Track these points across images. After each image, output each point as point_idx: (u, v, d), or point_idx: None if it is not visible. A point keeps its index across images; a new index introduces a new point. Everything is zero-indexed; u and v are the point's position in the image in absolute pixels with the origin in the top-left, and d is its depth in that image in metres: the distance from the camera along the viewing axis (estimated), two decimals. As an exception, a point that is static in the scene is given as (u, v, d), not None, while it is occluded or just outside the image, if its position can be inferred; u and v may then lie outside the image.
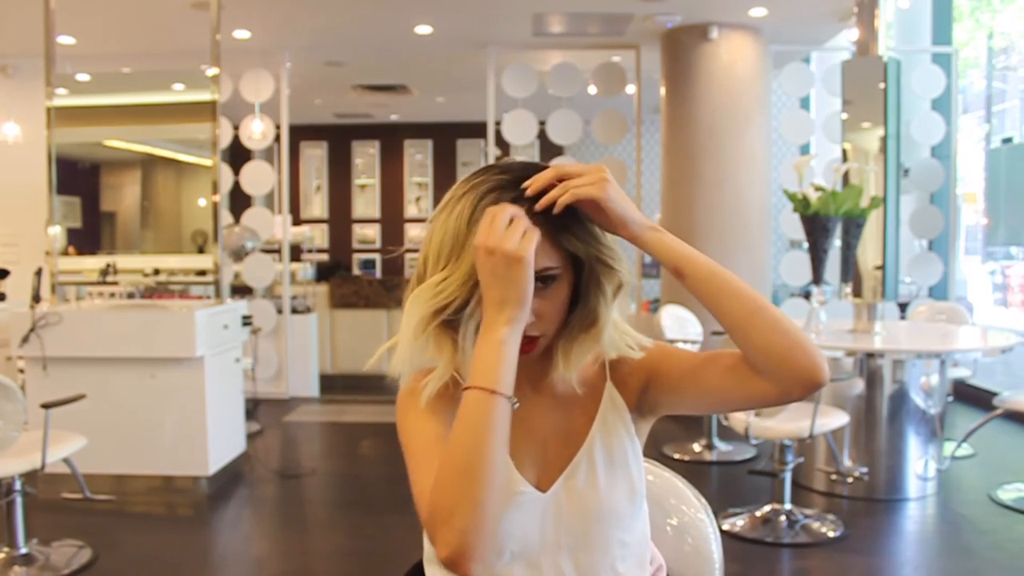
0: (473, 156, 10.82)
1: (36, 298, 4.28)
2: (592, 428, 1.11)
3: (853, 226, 4.24)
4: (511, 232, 0.95)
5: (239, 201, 6.87)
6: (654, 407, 1.14)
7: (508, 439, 0.96)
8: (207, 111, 4.54)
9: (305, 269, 7.87)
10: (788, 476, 3.67)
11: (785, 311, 5.27)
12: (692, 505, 1.36)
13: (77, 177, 5.05)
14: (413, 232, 10.99)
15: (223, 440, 4.36)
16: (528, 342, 1.02)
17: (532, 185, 1.00)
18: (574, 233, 1.03)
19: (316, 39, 6.35)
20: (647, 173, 8.09)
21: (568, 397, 1.13)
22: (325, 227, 10.99)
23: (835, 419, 3.60)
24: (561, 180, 1.00)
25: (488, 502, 0.92)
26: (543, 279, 1.01)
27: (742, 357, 1.02)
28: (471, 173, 1.07)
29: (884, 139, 4.62)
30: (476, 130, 8.44)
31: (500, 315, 0.97)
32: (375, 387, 7.03)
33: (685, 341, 4.73)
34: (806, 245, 4.31)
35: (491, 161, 6.73)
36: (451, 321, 1.04)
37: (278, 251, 6.70)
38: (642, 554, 1.15)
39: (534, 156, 9.28)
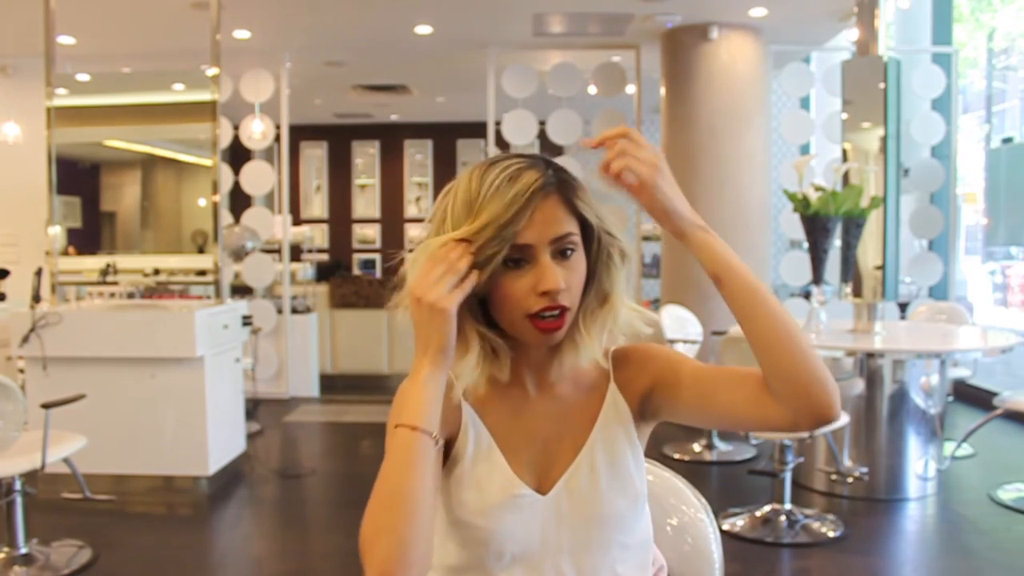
0: (473, 156, 10.82)
1: (36, 298, 4.28)
2: (593, 430, 1.11)
3: (853, 226, 4.24)
4: (441, 283, 0.97)
5: (239, 201, 6.87)
6: (655, 412, 1.13)
7: (436, 471, 0.98)
8: (207, 111, 4.54)
9: (305, 269, 7.87)
10: (788, 476, 3.67)
11: (786, 311, 5.21)
12: (692, 505, 1.36)
13: (77, 177, 5.04)
14: (413, 232, 10.98)
15: (223, 440, 4.36)
16: (558, 316, 1.02)
17: (604, 135, 1.01)
18: (584, 200, 1.04)
19: (316, 39, 6.35)
20: (647, 173, 8.08)
21: (570, 397, 1.13)
22: (325, 227, 10.99)
23: (835, 419, 3.60)
24: (627, 138, 1.01)
25: (410, 535, 0.91)
26: (563, 250, 1.02)
27: (760, 378, 1.01)
28: (475, 165, 1.07)
29: (884, 139, 4.63)
30: (476, 130, 8.44)
31: (424, 358, 0.99)
32: (375, 387, 7.04)
33: (685, 341, 4.73)
34: (806, 245, 4.31)
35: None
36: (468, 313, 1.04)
37: (278, 251, 6.70)
38: (644, 556, 1.14)
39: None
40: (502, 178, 1.00)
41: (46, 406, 3.13)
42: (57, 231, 4.63)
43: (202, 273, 4.88)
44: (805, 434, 0.87)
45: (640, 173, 0.98)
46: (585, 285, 1.07)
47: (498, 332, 1.06)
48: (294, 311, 6.71)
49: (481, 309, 1.05)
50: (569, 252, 1.03)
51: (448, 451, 1.11)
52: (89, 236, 5.26)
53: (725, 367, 1.07)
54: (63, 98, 4.59)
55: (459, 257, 0.98)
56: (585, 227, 1.05)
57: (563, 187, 1.03)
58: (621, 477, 1.09)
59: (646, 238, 7.75)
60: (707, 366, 1.10)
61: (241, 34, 5.98)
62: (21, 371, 4.22)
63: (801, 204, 4.15)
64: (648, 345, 1.14)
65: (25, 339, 3.99)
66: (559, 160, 1.08)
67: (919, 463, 4.09)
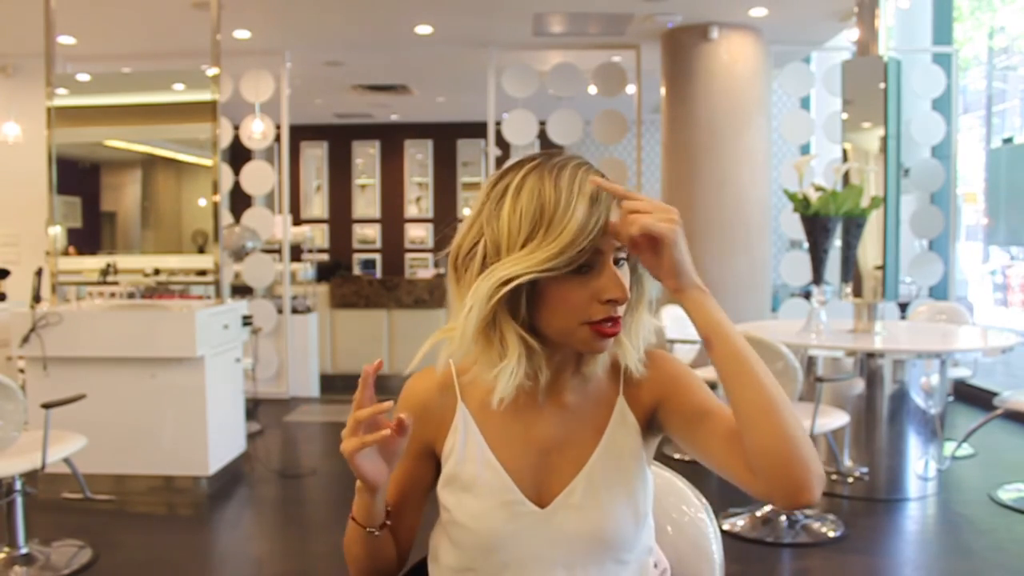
0: (473, 156, 10.82)
1: (36, 298, 4.28)
2: (599, 445, 1.08)
3: (853, 226, 4.24)
4: (351, 435, 1.03)
5: (239, 201, 6.87)
6: (659, 430, 1.12)
7: (378, 544, 1.10)
8: (207, 111, 4.54)
9: (305, 269, 7.87)
10: (788, 476, 3.66)
11: (784, 311, 5.18)
12: (692, 505, 1.36)
13: (77, 177, 5.03)
14: (413, 232, 10.99)
15: (223, 440, 4.36)
16: (614, 323, 1.01)
17: (603, 186, 1.00)
18: None
19: (316, 39, 6.35)
20: (647, 173, 8.10)
21: (578, 407, 1.10)
22: (325, 227, 10.99)
23: (835, 419, 3.60)
24: (625, 199, 0.99)
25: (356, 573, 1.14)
26: (618, 259, 1.02)
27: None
28: (514, 163, 1.05)
29: (884, 139, 4.62)
30: (476, 130, 8.45)
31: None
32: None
33: (685, 341, 4.73)
34: (806, 245, 4.31)
35: (491, 161, 6.61)
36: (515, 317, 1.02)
37: (278, 251, 6.70)
38: (642, 567, 1.13)
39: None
40: (577, 184, 0.99)
41: (46, 406, 3.13)
42: (57, 231, 4.63)
43: (202, 273, 4.88)
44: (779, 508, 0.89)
45: (661, 230, 0.96)
46: None
47: (534, 336, 1.03)
48: (294, 311, 6.71)
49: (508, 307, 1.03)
50: (622, 261, 1.03)
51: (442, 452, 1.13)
52: (89, 236, 5.25)
53: (725, 411, 1.03)
54: (63, 98, 4.59)
55: (377, 411, 1.02)
56: None
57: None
58: (624, 495, 1.07)
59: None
60: (711, 400, 1.07)
61: (241, 34, 5.98)
62: (21, 371, 4.22)
63: (801, 204, 4.15)
64: (663, 357, 1.11)
65: (25, 339, 3.98)
66: None
67: (919, 463, 4.09)
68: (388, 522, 1.10)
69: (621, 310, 1.02)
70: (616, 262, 1.01)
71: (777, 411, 0.94)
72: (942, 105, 6.30)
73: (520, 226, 0.99)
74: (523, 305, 1.01)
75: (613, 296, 0.99)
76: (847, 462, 4.07)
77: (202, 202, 4.95)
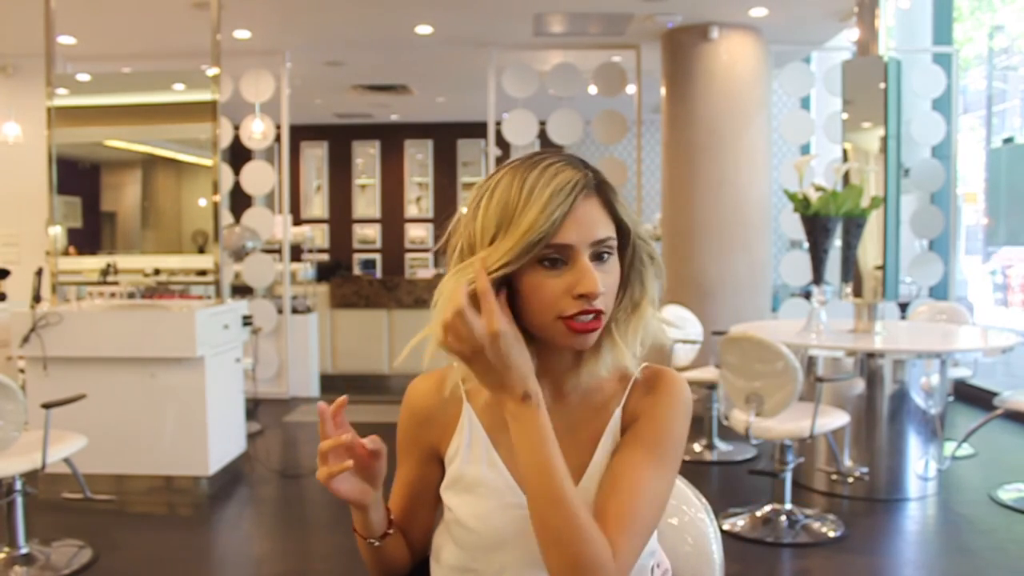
0: (473, 156, 10.82)
1: (36, 298, 4.28)
2: (595, 453, 1.08)
3: (853, 226, 4.24)
4: (322, 467, 1.13)
5: (239, 201, 6.87)
6: None
7: (385, 553, 1.15)
8: (207, 111, 4.54)
9: (305, 269, 7.87)
10: (788, 476, 3.67)
11: (784, 311, 5.17)
12: (692, 505, 1.35)
13: (77, 177, 5.03)
14: (413, 232, 10.99)
15: (223, 440, 4.36)
16: (594, 319, 1.00)
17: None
18: (621, 203, 1.03)
19: (316, 39, 6.35)
20: (647, 173, 8.09)
21: (580, 413, 1.10)
22: (325, 227, 10.99)
23: (835, 419, 3.60)
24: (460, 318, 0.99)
25: None
26: (600, 253, 1.00)
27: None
28: (501, 165, 1.05)
29: (884, 139, 4.62)
30: (476, 130, 8.45)
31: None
32: (375, 387, 7.04)
33: (685, 341, 4.73)
34: (806, 245, 4.31)
35: (491, 161, 6.62)
36: None
37: (278, 251, 6.70)
38: (641, 570, 1.11)
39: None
40: (543, 179, 0.99)
41: (46, 406, 3.13)
42: (57, 231, 4.63)
43: (202, 273, 4.87)
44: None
45: (461, 351, 0.98)
46: (617, 291, 1.05)
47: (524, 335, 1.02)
48: (294, 311, 6.71)
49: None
50: (606, 256, 1.01)
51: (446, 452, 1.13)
52: (89, 236, 5.25)
53: (623, 494, 1.01)
54: (63, 98, 4.59)
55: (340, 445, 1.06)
56: (619, 232, 1.03)
57: (601, 188, 1.02)
58: None
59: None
60: (634, 471, 1.03)
61: (241, 34, 5.98)
62: (21, 371, 4.22)
63: (801, 204, 4.15)
64: (667, 389, 1.09)
65: (25, 339, 3.99)
66: None
67: (919, 463, 4.09)
68: (390, 531, 1.12)
69: (600, 304, 1.00)
70: (600, 256, 1.01)
71: (550, 544, 0.96)
72: (942, 105, 6.30)
73: (489, 226, 1.00)
74: (501, 300, 1.00)
75: (585, 290, 0.98)
76: (847, 462, 4.07)
77: (202, 202, 4.95)
